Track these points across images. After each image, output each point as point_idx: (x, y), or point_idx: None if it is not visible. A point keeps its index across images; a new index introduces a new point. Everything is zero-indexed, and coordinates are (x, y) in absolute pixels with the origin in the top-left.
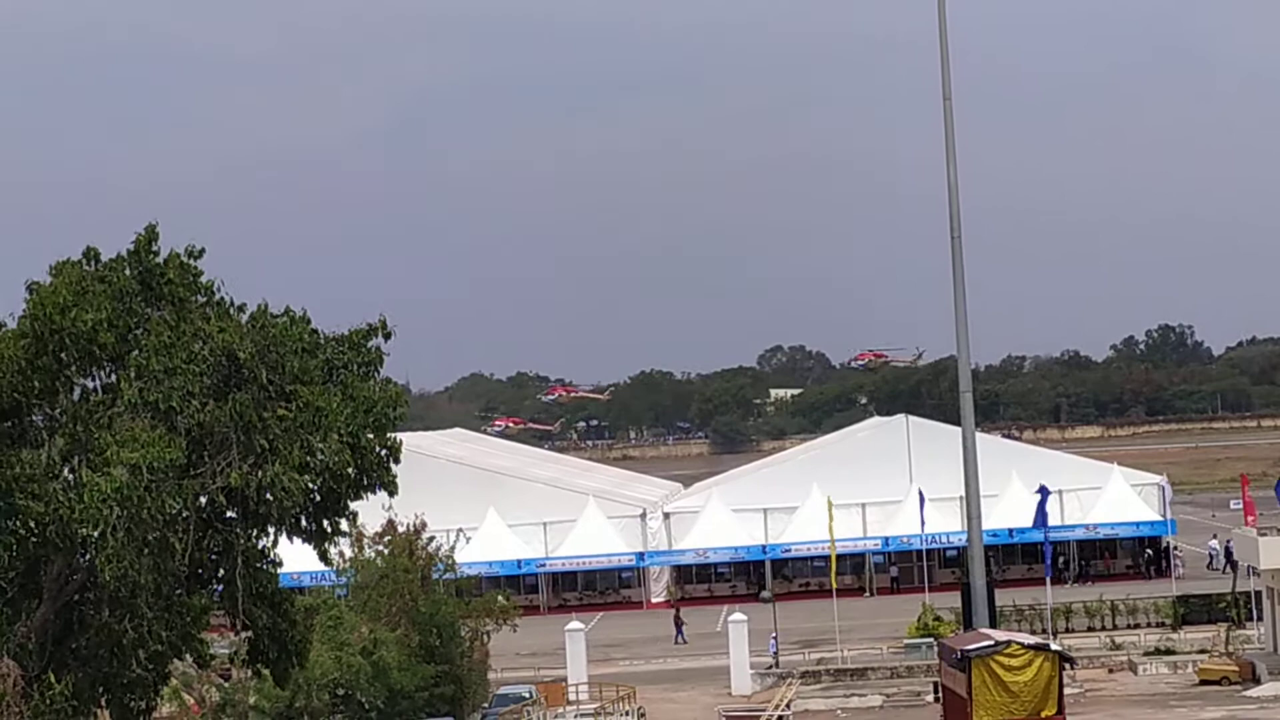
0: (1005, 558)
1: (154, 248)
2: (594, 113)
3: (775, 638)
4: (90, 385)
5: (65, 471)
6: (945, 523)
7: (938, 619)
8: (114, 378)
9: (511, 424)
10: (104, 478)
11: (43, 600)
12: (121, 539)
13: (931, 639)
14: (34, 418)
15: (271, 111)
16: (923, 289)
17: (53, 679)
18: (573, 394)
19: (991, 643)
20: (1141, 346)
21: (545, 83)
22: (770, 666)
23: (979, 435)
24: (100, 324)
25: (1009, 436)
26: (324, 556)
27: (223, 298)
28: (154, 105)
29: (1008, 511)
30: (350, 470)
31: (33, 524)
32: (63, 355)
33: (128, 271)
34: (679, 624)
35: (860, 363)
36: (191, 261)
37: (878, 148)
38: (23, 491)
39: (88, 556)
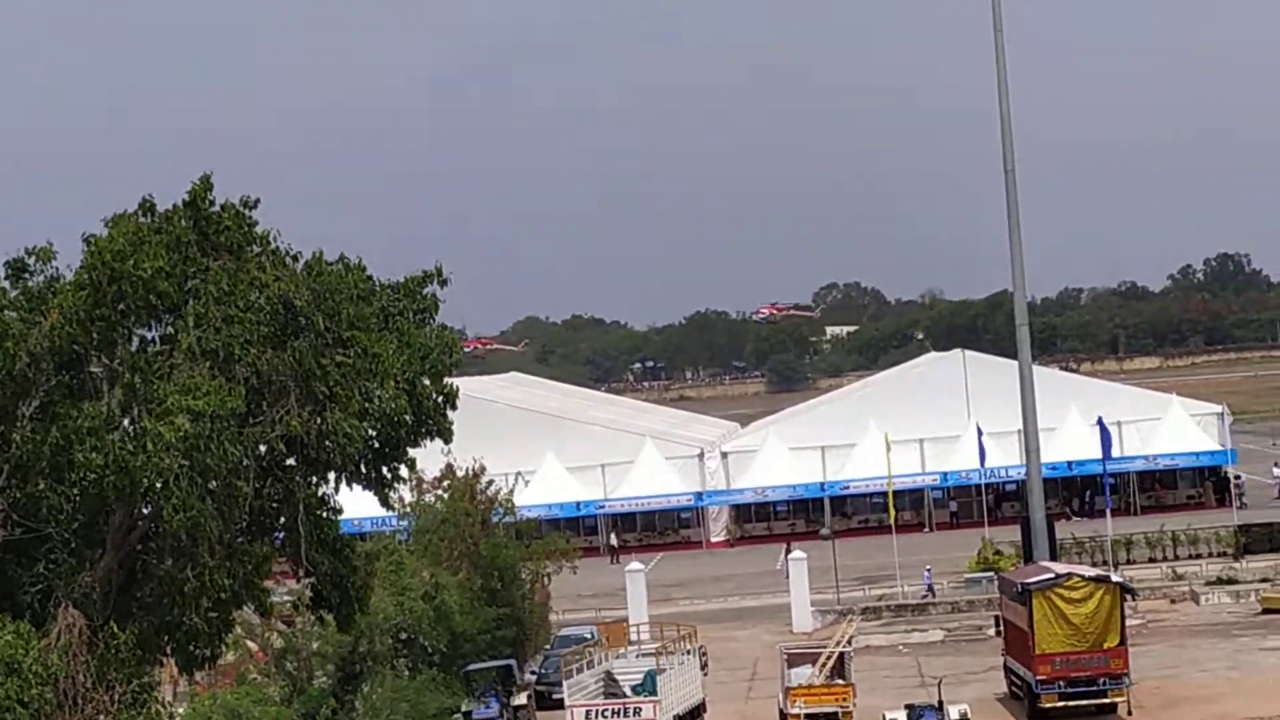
0: (1084, 487)
1: (210, 197)
2: (650, 51)
3: (930, 570)
4: (148, 336)
5: (125, 422)
6: (1004, 457)
7: (998, 553)
8: (172, 328)
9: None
10: (167, 426)
11: (105, 550)
12: (186, 487)
13: (991, 573)
14: (92, 369)
15: (322, 58)
16: (979, 223)
17: (116, 629)
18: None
19: (1052, 575)
20: (1199, 275)
21: (605, 22)
22: (924, 595)
23: (1036, 368)
24: (158, 273)
25: (1066, 369)
26: (385, 501)
27: (278, 247)
28: (212, 48)
29: (1066, 444)
30: (408, 417)
31: (93, 475)
32: (121, 305)
33: (184, 222)
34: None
35: (761, 316)
36: (247, 211)
37: (932, 82)
38: (83, 443)
39: (150, 506)
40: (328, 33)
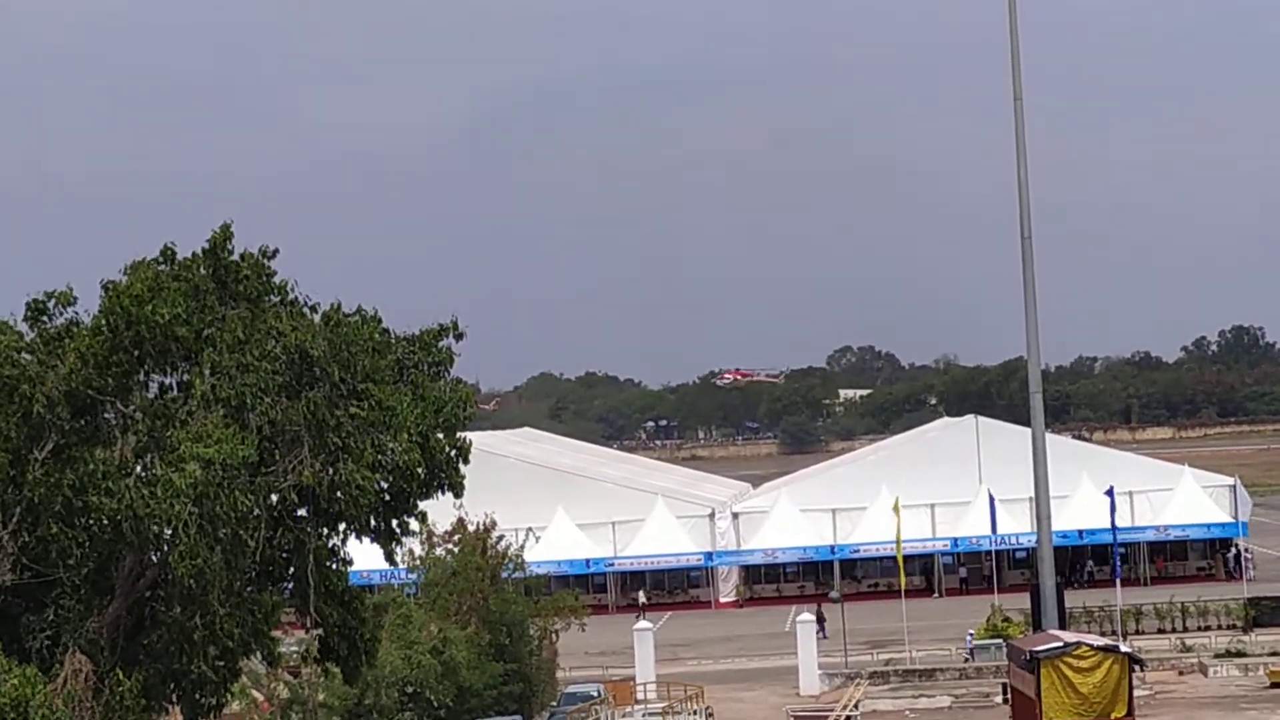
0: (1075, 559)
1: (229, 246)
2: (668, 115)
3: (972, 634)
4: (164, 382)
5: (138, 469)
6: (1014, 524)
7: (1006, 620)
8: (187, 375)
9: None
10: (178, 474)
11: (114, 596)
12: (194, 535)
13: (1000, 640)
14: (107, 415)
15: (345, 110)
16: (993, 289)
17: (123, 675)
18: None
19: (1061, 644)
20: (1213, 347)
21: (620, 85)
22: (966, 660)
23: (1049, 436)
24: (176, 319)
25: (1079, 437)
26: (390, 557)
27: (295, 297)
28: (231, 101)
29: (1077, 513)
30: (420, 470)
31: (105, 521)
32: (137, 351)
33: (203, 270)
34: (821, 619)
35: (726, 380)
36: (266, 261)
37: (951, 149)
38: (95, 488)
39: (160, 553)
40: (343, 83)
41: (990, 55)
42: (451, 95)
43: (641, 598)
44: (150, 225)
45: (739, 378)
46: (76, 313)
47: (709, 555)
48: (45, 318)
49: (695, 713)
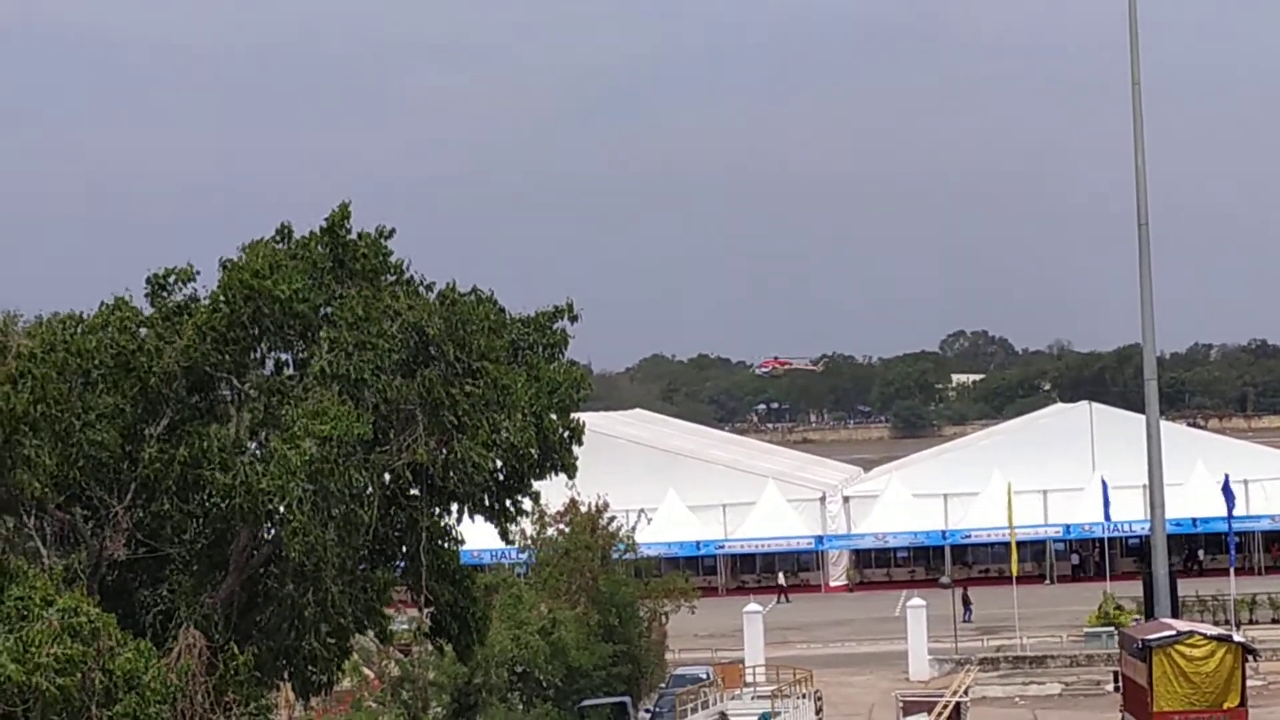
0: (1189, 546)
1: (346, 225)
2: (782, 96)
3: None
4: (280, 359)
5: (253, 445)
6: (1128, 511)
7: (1119, 608)
8: (304, 352)
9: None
10: (293, 450)
11: (228, 572)
12: (309, 512)
13: (1112, 628)
14: (223, 391)
15: (453, 94)
16: (1109, 275)
17: (235, 650)
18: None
19: (1173, 633)
20: None
21: (735, 68)
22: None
23: (1163, 423)
24: (295, 294)
25: (1194, 425)
26: (505, 535)
27: (411, 276)
28: (343, 87)
29: (1191, 500)
30: (534, 450)
31: (219, 497)
32: (255, 328)
33: (321, 248)
34: (967, 603)
35: (764, 369)
36: (382, 241)
37: (1070, 134)
38: (210, 464)
39: (274, 529)
40: (466, 60)
41: (1112, 39)
42: (572, 73)
43: (781, 579)
44: (270, 208)
45: (778, 366)
46: (196, 289)
47: (819, 539)
48: (165, 293)
49: (804, 696)
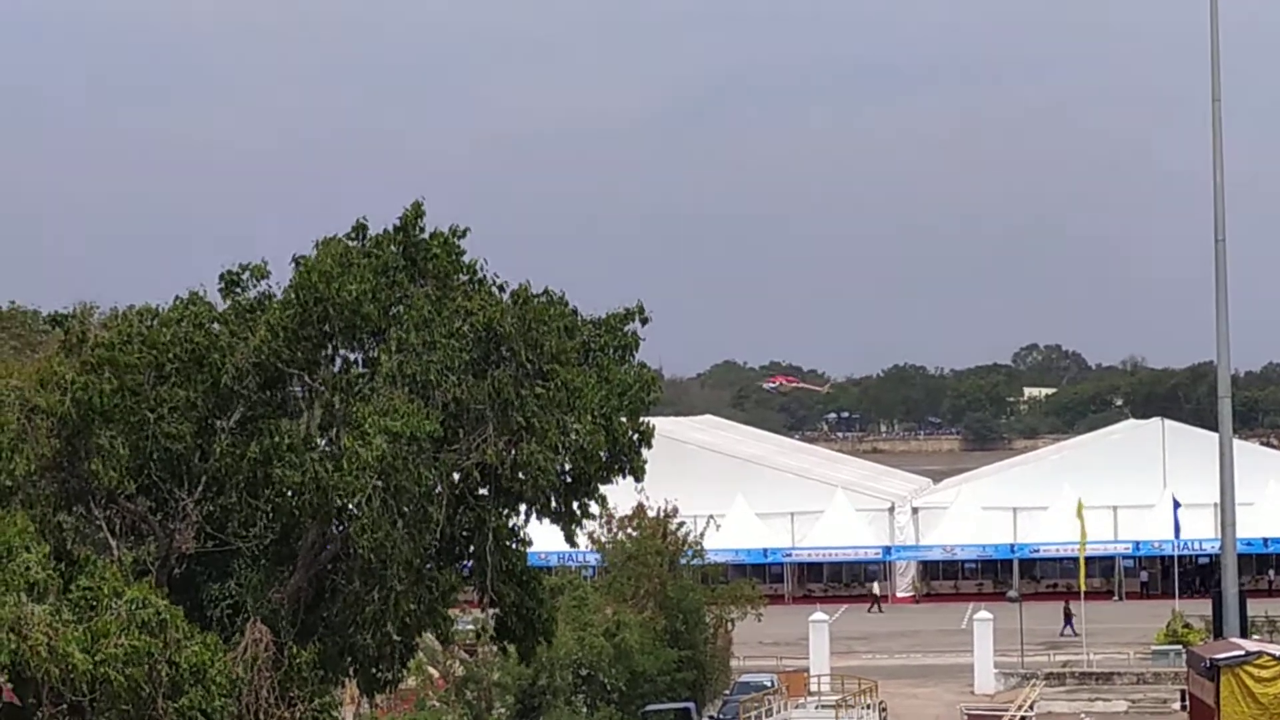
0: (1259, 567)
1: (419, 224)
2: (866, 100)
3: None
4: (351, 357)
5: (322, 442)
6: (1198, 529)
7: (1187, 626)
8: (374, 351)
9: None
10: (364, 447)
11: (296, 568)
12: (378, 509)
13: (1180, 646)
14: (294, 388)
15: (530, 93)
16: (1185, 291)
17: (301, 646)
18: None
19: (1242, 653)
20: None
21: (824, 71)
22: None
23: (1236, 442)
24: (364, 295)
25: (1267, 444)
26: (570, 538)
27: (484, 276)
28: (428, 81)
29: (1263, 519)
30: (602, 452)
31: (288, 492)
32: (326, 326)
33: (393, 247)
34: (1069, 615)
35: (772, 385)
36: (455, 240)
37: (1147, 148)
38: (281, 460)
39: (342, 526)
40: (540, 65)
41: (1193, 52)
42: (641, 78)
43: (875, 589)
44: (348, 200)
45: (785, 383)
46: (269, 285)
47: (887, 549)
48: (238, 289)
49: (869, 707)
